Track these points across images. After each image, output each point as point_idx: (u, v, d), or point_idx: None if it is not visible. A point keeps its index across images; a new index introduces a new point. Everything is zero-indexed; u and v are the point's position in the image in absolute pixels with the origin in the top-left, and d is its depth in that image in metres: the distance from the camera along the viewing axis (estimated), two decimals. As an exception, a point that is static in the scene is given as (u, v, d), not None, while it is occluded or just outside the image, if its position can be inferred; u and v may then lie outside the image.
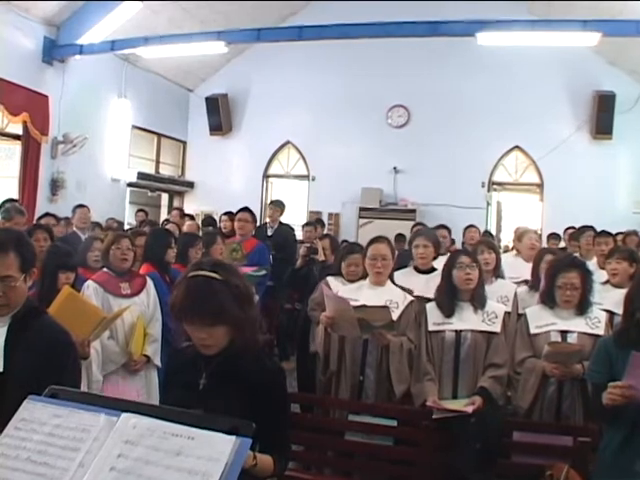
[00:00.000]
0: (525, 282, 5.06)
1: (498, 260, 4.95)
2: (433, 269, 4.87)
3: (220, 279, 2.14)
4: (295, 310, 7.36)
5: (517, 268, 5.45)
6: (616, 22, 7.94)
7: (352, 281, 4.57)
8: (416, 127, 12.07)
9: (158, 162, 13.13)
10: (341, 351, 4.12)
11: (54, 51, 9.86)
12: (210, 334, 2.12)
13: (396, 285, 4.28)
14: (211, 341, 2.14)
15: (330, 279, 4.86)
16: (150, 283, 4.68)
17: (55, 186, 10.05)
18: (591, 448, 3.23)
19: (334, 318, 3.97)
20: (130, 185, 12.02)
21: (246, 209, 7.34)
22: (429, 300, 4.19)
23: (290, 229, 8.85)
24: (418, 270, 4.89)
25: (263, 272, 6.71)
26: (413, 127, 12.13)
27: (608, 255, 5.00)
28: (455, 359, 3.86)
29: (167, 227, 6.93)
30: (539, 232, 11.11)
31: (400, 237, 9.71)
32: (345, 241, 9.51)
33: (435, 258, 4.93)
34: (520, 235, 6.12)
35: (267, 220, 9.02)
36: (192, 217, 9.65)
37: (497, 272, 4.94)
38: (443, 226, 6.94)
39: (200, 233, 7.41)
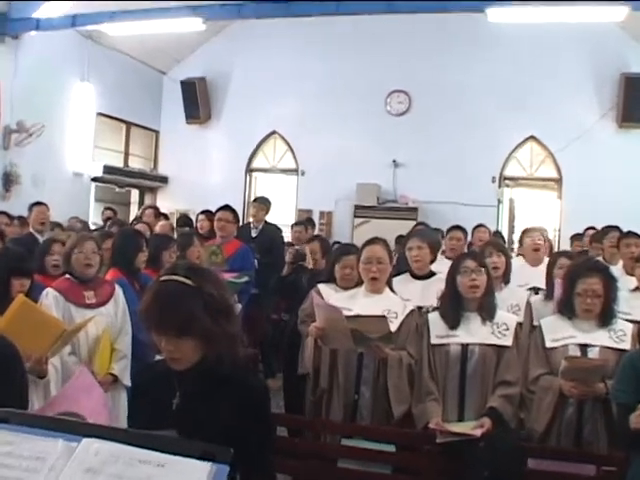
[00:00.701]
0: (533, 290, 5.09)
1: (508, 264, 4.97)
2: (431, 274, 4.89)
3: (192, 285, 2.15)
4: (282, 321, 7.36)
5: (523, 274, 5.47)
6: (646, -6, 7.90)
7: (346, 288, 4.58)
8: (418, 115, 12.09)
9: (127, 154, 13.10)
10: (333, 366, 4.13)
11: (6, 26, 9.75)
12: (177, 346, 2.14)
13: (395, 292, 4.29)
14: (179, 354, 2.16)
15: (321, 286, 4.86)
16: (118, 291, 4.67)
17: (8, 181, 10.00)
18: (617, 478, 3.23)
19: (324, 329, 3.98)
20: (95, 180, 11.99)
21: (227, 207, 7.34)
22: (420, 309, 4.20)
23: (277, 230, 8.85)
24: (414, 276, 4.92)
25: (245, 279, 6.71)
26: (415, 115, 12.15)
27: (638, 259, 5.02)
28: (461, 376, 3.87)
29: (137, 227, 6.90)
30: (556, 232, 11.20)
31: (401, 239, 9.67)
32: (337, 242, 9.52)
33: (433, 261, 4.95)
34: (521, 236, 6.17)
35: (251, 220, 9.01)
36: (166, 216, 9.64)
37: (507, 278, 4.96)
38: (458, 227, 6.95)
39: (175, 234, 7.40)
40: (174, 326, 2.11)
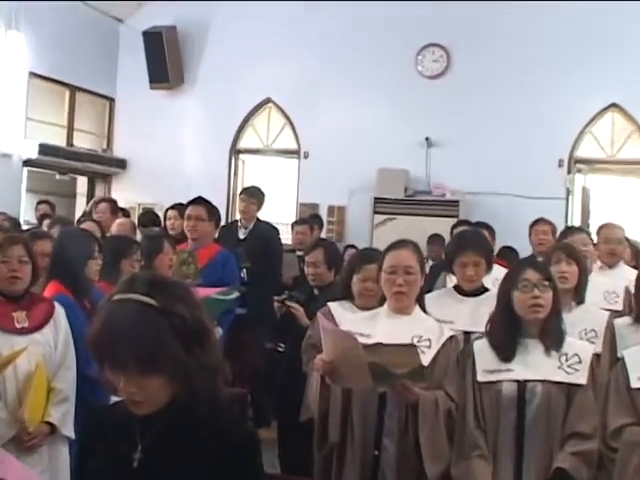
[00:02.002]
0: None
1: (582, 276, 4.94)
2: (483, 289, 4.92)
3: (157, 306, 2.15)
4: (279, 352, 7.36)
5: None
6: None
7: (367, 307, 4.59)
8: (460, 77, 12.07)
9: (71, 129, 13.13)
10: (346, 412, 4.12)
11: None
12: (141, 387, 2.15)
13: (428, 313, 4.29)
14: (142, 396, 2.17)
15: (333, 305, 4.87)
16: (59, 312, 4.67)
17: None
18: None
19: (334, 362, 3.96)
20: (28, 164, 12.02)
21: (199, 201, 7.33)
22: (469, 335, 4.18)
23: (272, 230, 8.86)
24: (461, 292, 4.93)
25: (236, 294, 6.71)
26: (455, 77, 12.14)
27: None
28: (518, 424, 3.86)
29: (85, 227, 6.91)
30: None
31: (435, 239, 9.70)
32: (351, 247, 9.51)
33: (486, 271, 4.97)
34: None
35: (238, 217, 9.03)
36: (125, 212, 9.65)
37: (580, 294, 4.94)
38: (481, 224, 6.94)
39: (137, 236, 7.39)
40: (136, 361, 2.11)
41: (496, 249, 7.26)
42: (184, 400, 2.19)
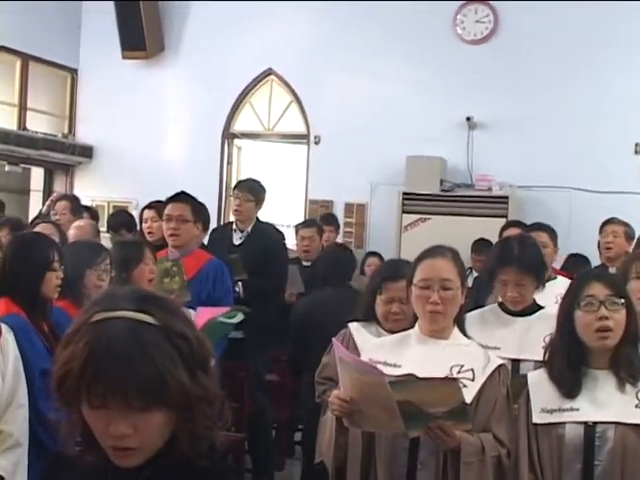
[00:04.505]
0: None
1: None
2: (535, 308, 4.93)
3: (156, 324, 2.12)
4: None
5: None
6: None
7: (395, 331, 4.57)
8: (510, 42, 12.04)
9: (23, 109, 13.15)
10: (368, 463, 4.11)
11: None
12: (138, 426, 2.07)
13: (469, 337, 4.28)
14: (137, 440, 2.09)
15: (354, 327, 4.87)
16: (8, 337, 4.66)
17: None
18: None
19: (354, 400, 3.95)
20: (-30, 152, 12.09)
21: (182, 197, 7.28)
22: (518, 364, 4.18)
23: (275, 233, 8.84)
24: (507, 310, 4.95)
25: (239, 316, 6.67)
26: (504, 42, 12.12)
27: None
28: (585, 477, 3.84)
29: (40, 230, 6.91)
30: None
31: (480, 245, 9.66)
32: (374, 254, 9.50)
33: (536, 287, 4.95)
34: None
35: (232, 218, 9.02)
36: (92, 212, 9.64)
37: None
38: (541, 226, 6.88)
39: (102, 240, 7.37)
40: (138, 392, 2.04)
41: (558, 257, 7.17)
42: (183, 445, 2.13)
